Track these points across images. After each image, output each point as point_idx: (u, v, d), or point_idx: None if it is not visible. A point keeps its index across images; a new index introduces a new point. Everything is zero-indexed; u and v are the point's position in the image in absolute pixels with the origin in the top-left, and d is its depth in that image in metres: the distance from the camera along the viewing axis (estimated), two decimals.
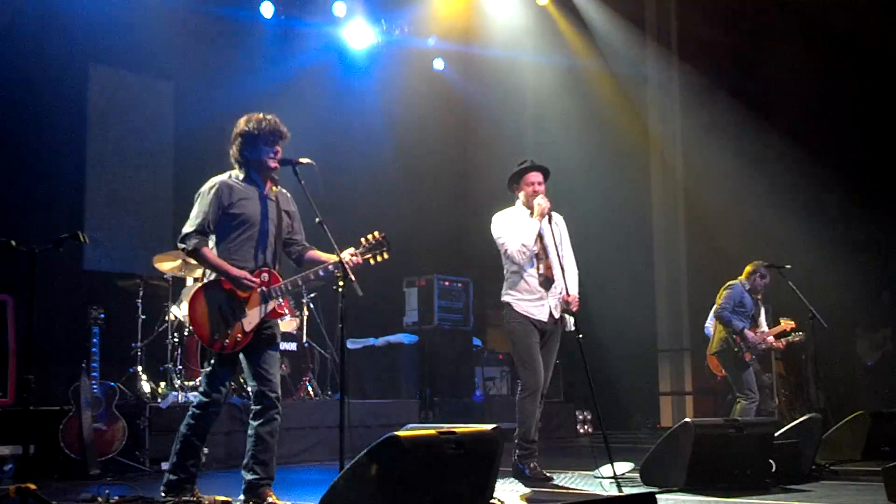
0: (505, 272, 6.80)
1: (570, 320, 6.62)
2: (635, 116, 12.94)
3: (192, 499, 4.95)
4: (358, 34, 11.57)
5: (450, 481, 4.53)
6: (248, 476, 5.06)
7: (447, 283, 11.14)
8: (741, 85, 11.99)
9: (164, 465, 7.15)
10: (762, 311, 8.89)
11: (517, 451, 6.54)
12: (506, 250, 6.66)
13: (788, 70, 11.67)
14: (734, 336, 8.45)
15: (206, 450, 7.08)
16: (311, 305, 9.36)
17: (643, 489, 5.89)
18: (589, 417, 11.49)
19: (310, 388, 9.02)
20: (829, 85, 11.48)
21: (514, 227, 6.64)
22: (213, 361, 5.15)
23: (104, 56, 9.77)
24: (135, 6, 9.54)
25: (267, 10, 10.85)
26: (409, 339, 10.79)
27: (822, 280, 10.02)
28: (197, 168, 9.62)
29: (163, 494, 5.03)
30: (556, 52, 12.48)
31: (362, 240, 5.24)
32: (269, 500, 4.97)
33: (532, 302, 6.62)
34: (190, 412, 5.13)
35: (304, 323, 9.31)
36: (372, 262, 5.22)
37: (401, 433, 4.39)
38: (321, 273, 5.18)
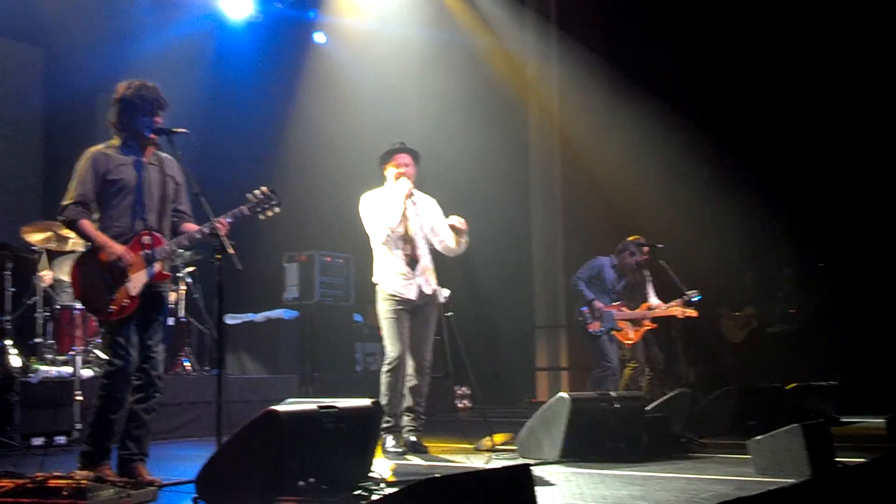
0: (374, 253, 6.88)
1: (444, 292, 6.78)
2: (517, 91, 13.02)
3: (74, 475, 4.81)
4: (236, 4, 11.35)
5: (329, 455, 4.54)
6: (121, 452, 5.01)
7: (329, 259, 11.11)
8: (618, 53, 12.04)
9: (37, 441, 7.03)
10: (649, 285, 9.16)
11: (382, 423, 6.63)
12: (373, 232, 6.75)
13: (665, 35, 11.82)
14: (583, 307, 8.80)
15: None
16: (189, 280, 9.20)
17: (519, 461, 6.00)
18: (468, 392, 11.63)
19: (187, 364, 8.88)
20: (709, 55, 11.68)
21: (380, 208, 6.75)
22: (105, 331, 5.10)
23: None
24: None
25: None
26: (289, 314, 10.73)
27: (690, 258, 10.35)
28: (69, 138, 9.37)
29: (79, 466, 4.90)
30: (440, 26, 12.48)
31: (249, 195, 5.23)
32: (142, 476, 4.90)
33: (401, 280, 6.73)
34: (98, 383, 5.04)
35: (182, 297, 9.15)
36: (261, 217, 5.23)
37: (279, 407, 4.37)
38: (197, 236, 5.12)
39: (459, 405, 11.61)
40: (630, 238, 9.19)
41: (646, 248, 9.12)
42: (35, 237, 8.08)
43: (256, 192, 5.23)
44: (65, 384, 7.37)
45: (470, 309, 11.56)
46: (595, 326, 8.83)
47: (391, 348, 6.69)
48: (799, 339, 11.62)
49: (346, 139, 12.31)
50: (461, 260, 7.06)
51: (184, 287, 9.16)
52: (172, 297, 9.02)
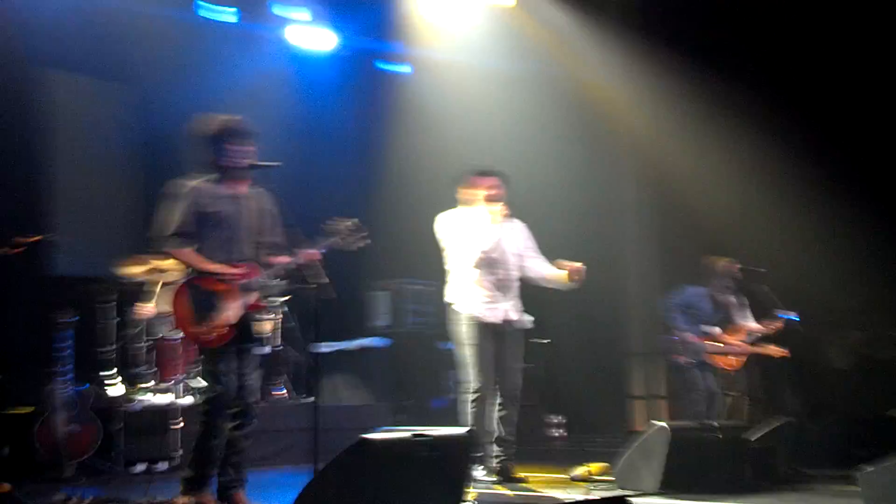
0: (449, 273, 6.80)
1: (527, 318, 6.68)
2: (607, 115, 12.87)
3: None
4: (320, 38, 11.47)
5: (422, 484, 4.50)
6: (221, 478, 5.05)
7: (417, 287, 11.13)
8: (711, 70, 11.80)
9: (139, 468, 7.17)
10: (745, 310, 8.91)
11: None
12: (458, 253, 6.68)
13: (759, 47, 11.54)
14: (672, 336, 8.69)
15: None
16: (285, 309, 9.30)
17: (617, 492, 5.87)
18: (563, 421, 11.45)
19: (283, 391, 8.97)
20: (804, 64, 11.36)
21: (468, 230, 6.69)
22: (204, 358, 5.16)
23: (62, 61, 9.61)
24: (92, 10, 9.45)
25: (229, 14, 10.76)
26: (380, 342, 10.75)
27: (791, 282, 10.03)
28: (167, 172, 9.55)
29: (179, 492, 5.00)
30: (522, 54, 12.45)
31: (334, 227, 5.32)
32: (241, 502, 4.93)
33: (486, 304, 6.63)
34: (199, 410, 5.13)
35: (278, 326, 9.25)
36: (352, 248, 5.33)
37: (372, 436, 4.36)
38: (290, 266, 5.20)
39: (552, 434, 11.44)
40: (722, 262, 8.94)
41: (739, 272, 8.88)
42: (133, 270, 8.23)
43: (346, 224, 5.27)
44: (165, 411, 7.51)
45: (563, 335, 11.42)
46: (681, 358, 8.62)
47: (474, 376, 6.58)
48: None
49: (430, 168, 12.35)
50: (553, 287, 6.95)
51: (279, 316, 9.26)
52: (269, 325, 9.10)
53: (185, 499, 4.63)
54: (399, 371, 10.64)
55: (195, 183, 5.21)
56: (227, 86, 10.08)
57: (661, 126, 12.36)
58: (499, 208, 6.67)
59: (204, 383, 5.21)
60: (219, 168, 5.23)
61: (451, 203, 7.01)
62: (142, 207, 10.08)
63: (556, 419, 11.50)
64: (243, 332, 5.13)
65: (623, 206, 13.33)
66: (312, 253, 5.13)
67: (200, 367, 5.73)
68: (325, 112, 11.57)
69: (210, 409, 5.01)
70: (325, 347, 10.54)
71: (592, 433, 11.48)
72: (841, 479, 6.36)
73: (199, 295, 5.06)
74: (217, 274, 5.04)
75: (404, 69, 12.58)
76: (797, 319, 8.83)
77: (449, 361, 11.29)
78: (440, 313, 11.20)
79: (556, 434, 11.46)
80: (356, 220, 5.35)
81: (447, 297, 6.83)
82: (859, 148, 11.17)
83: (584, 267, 6.76)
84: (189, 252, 5.09)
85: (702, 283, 8.94)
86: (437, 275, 11.19)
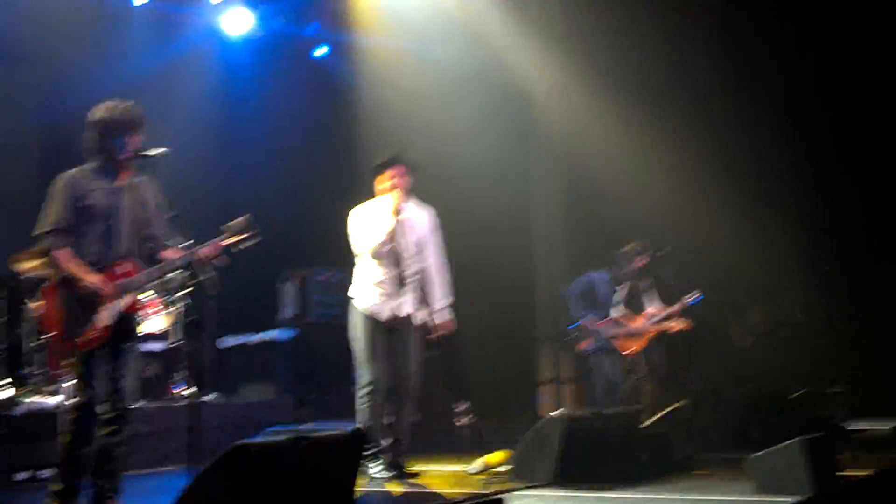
0: (356, 267, 6.71)
1: (420, 315, 6.62)
2: (521, 101, 12.85)
3: None
4: (236, 21, 11.20)
5: (307, 488, 4.36)
6: (93, 488, 4.87)
7: (324, 277, 10.94)
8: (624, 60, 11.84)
9: (21, 476, 6.87)
10: (651, 293, 8.98)
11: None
12: (358, 246, 6.57)
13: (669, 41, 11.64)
14: (572, 325, 8.90)
15: None
16: (182, 303, 9.04)
17: (513, 485, 5.82)
18: (467, 408, 11.39)
19: (179, 390, 8.73)
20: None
21: (368, 223, 6.56)
22: (74, 361, 4.92)
23: None
24: None
25: None
26: (284, 334, 10.55)
27: (695, 264, 10.13)
28: (64, 161, 9.24)
29: None
30: (443, 41, 12.33)
31: (224, 227, 5.14)
32: None
33: (378, 298, 6.54)
34: (65, 419, 4.89)
35: (181, 322, 9.00)
36: (239, 247, 5.12)
37: (249, 441, 4.21)
38: (169, 267, 5.04)
39: (458, 422, 11.37)
40: (627, 247, 9.01)
41: (644, 256, 8.94)
42: (25, 266, 7.92)
43: (236, 222, 5.11)
44: (49, 416, 7.20)
45: (468, 321, 11.38)
46: (585, 344, 8.69)
47: (365, 371, 6.48)
48: (809, 343, 11.38)
49: (344, 155, 12.17)
50: (461, 273, 6.87)
51: (177, 310, 9.01)
52: (166, 320, 8.88)
53: None
54: (304, 364, 10.46)
55: (71, 173, 5.00)
56: (136, 71, 9.81)
57: (572, 115, 12.40)
58: (400, 198, 6.51)
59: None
60: (101, 158, 5.01)
61: (369, 193, 6.86)
62: (40, 198, 9.75)
63: (463, 406, 11.44)
64: (118, 334, 4.93)
65: (531, 192, 13.33)
66: (208, 252, 4.97)
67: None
68: (244, 97, 11.36)
69: (78, 417, 4.80)
70: (227, 342, 10.33)
71: (501, 420, 11.48)
72: (735, 462, 6.39)
73: (70, 296, 4.84)
74: (83, 281, 4.81)
75: (323, 51, 12.40)
76: (700, 299, 8.93)
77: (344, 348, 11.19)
78: (346, 304, 11.13)
79: (464, 422, 11.41)
80: (248, 215, 5.15)
81: (349, 292, 6.69)
82: (763, 131, 11.36)
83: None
84: (64, 253, 4.86)
85: (605, 268, 8.99)
86: (346, 264, 11.16)
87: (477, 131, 12.11)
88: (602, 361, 8.74)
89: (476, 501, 3.56)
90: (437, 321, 6.71)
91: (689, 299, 8.79)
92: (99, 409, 4.84)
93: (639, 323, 8.83)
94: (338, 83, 12.43)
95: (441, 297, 6.69)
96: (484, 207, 11.93)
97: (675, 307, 8.83)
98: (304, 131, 12.00)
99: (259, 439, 4.36)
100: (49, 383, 7.79)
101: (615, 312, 8.91)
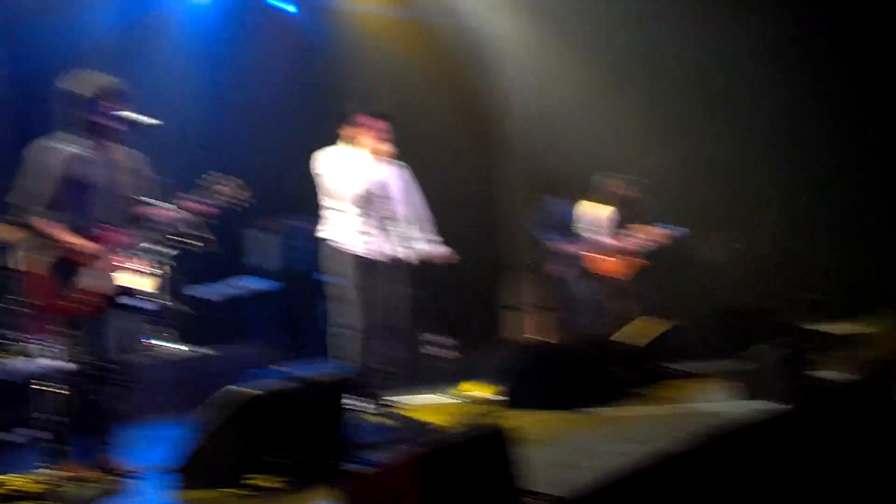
0: (331, 211, 6.66)
1: (413, 252, 6.69)
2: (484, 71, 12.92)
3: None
4: None
5: (298, 429, 4.41)
6: (84, 442, 4.84)
7: (291, 224, 10.95)
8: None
9: None
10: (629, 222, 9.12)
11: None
12: (339, 190, 6.55)
13: None
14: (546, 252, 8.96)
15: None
16: (174, 264, 9.03)
17: (495, 410, 5.91)
18: (440, 339, 11.50)
19: (169, 344, 8.77)
20: None
21: (344, 168, 6.54)
22: (63, 328, 4.93)
23: None
24: None
25: None
26: (258, 282, 10.56)
27: (669, 190, 10.22)
28: (39, 131, 9.09)
29: (43, 464, 4.75)
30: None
31: (219, 188, 5.12)
32: (109, 466, 4.79)
33: (366, 239, 6.54)
34: (58, 377, 4.91)
35: (168, 281, 8.99)
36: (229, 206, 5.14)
37: (240, 386, 4.25)
38: (157, 222, 5.04)
39: (431, 352, 11.48)
40: (610, 178, 9.11)
41: (628, 185, 9.05)
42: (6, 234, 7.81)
43: (229, 183, 5.09)
44: (24, 376, 7.19)
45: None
46: (558, 270, 8.79)
47: (355, 313, 6.51)
48: (782, 257, 11.55)
49: (309, 107, 12.11)
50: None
51: (160, 269, 8.97)
52: (150, 280, 8.84)
53: (48, 470, 4.44)
54: (276, 312, 10.51)
55: (66, 149, 4.90)
56: (97, 34, 9.63)
57: (538, 51, 12.43)
58: (386, 149, 6.55)
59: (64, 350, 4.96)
60: (92, 131, 4.94)
61: (330, 140, 6.82)
62: (13, 169, 9.60)
63: (438, 339, 11.55)
64: (108, 294, 4.92)
65: (492, 124, 13.37)
66: (197, 208, 4.96)
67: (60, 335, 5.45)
68: (206, 56, 11.20)
69: (71, 377, 4.81)
70: (206, 294, 10.33)
71: (476, 349, 11.61)
72: (713, 373, 6.55)
73: (56, 262, 4.81)
74: (71, 245, 4.78)
75: (289, 8, 12.28)
76: (685, 232, 9.24)
77: (321, 293, 11.22)
78: (310, 248, 11.13)
79: (441, 354, 11.54)
80: (239, 180, 5.13)
81: (324, 233, 6.69)
82: (738, 63, 11.43)
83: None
84: (44, 223, 4.81)
85: (564, 196, 9.11)
86: (313, 213, 11.16)
87: (437, 74, 12.15)
88: (584, 286, 8.81)
89: (481, 434, 3.59)
90: (434, 253, 6.83)
91: (675, 231, 9.05)
92: (89, 367, 4.83)
93: (628, 243, 8.95)
94: (302, 39, 12.34)
95: (432, 233, 6.84)
96: (443, 140, 12.01)
97: (663, 233, 9.03)
98: (273, 88, 11.92)
99: (248, 385, 4.37)
100: (21, 345, 7.75)
101: (600, 238, 9.04)
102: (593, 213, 9.18)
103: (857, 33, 10.67)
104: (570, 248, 8.84)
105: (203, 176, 5.17)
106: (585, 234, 9.14)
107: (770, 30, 10.96)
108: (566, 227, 8.97)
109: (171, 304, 9.18)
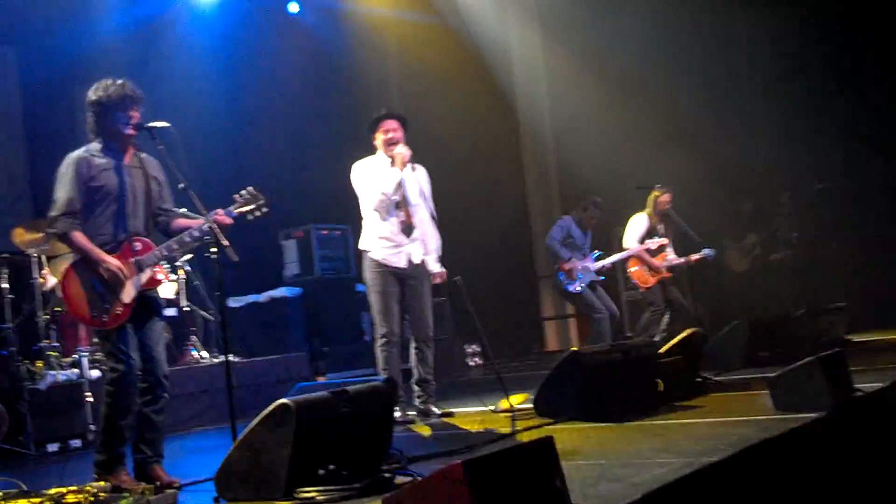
0: (364, 221, 6.82)
1: (432, 261, 6.81)
2: (502, 55, 12.96)
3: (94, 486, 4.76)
4: None
5: (346, 440, 4.48)
6: (136, 455, 4.96)
7: (325, 232, 11.03)
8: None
9: (51, 447, 6.99)
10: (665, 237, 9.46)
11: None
12: (365, 199, 6.65)
13: None
14: (560, 272, 9.16)
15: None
16: (189, 268, 9.11)
17: (538, 422, 5.95)
18: (479, 350, 11.61)
19: (194, 353, 8.84)
20: None
21: (374, 176, 6.67)
22: (102, 339, 5.01)
23: None
24: None
25: None
26: (291, 291, 10.65)
27: (687, 194, 10.26)
28: (51, 134, 9.23)
29: (95, 476, 4.84)
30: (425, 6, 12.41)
31: (236, 196, 5.17)
32: (160, 478, 4.85)
33: (390, 249, 6.64)
34: (104, 391, 4.96)
35: (183, 287, 9.08)
36: (250, 217, 5.16)
37: (290, 399, 4.30)
38: (188, 238, 5.05)
39: (471, 363, 11.58)
40: (655, 192, 9.48)
41: (666, 195, 9.41)
42: (27, 237, 7.91)
43: (244, 192, 5.16)
44: (73, 387, 7.32)
45: (470, 265, 11.56)
46: (574, 286, 9.02)
47: (382, 321, 6.63)
48: (803, 262, 11.56)
49: (334, 111, 12.19)
50: (458, 219, 7.01)
51: (184, 276, 9.07)
52: (173, 287, 8.94)
53: (101, 483, 4.51)
54: (312, 319, 10.58)
55: (78, 154, 5.00)
56: (107, 39, 9.75)
57: (558, 55, 12.51)
58: (405, 150, 6.61)
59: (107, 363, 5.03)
60: (104, 137, 5.03)
61: (360, 149, 7.00)
62: (31, 171, 9.72)
63: (471, 349, 11.63)
64: (142, 307, 4.99)
65: (520, 136, 13.50)
66: (220, 220, 4.99)
67: (101, 348, 5.53)
68: (218, 60, 11.32)
69: (115, 390, 4.87)
70: (235, 302, 10.42)
71: (509, 359, 11.67)
72: (750, 382, 6.56)
73: (90, 276, 4.89)
74: (102, 263, 4.87)
75: (293, 8, 12.39)
76: (714, 254, 9.61)
77: (363, 304, 11.32)
78: (348, 257, 11.23)
79: (474, 363, 11.61)
80: (254, 188, 5.20)
81: (362, 245, 6.84)
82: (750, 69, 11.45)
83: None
84: (79, 236, 4.90)
85: (569, 213, 9.34)
86: (344, 219, 11.24)
87: (458, 86, 12.25)
88: (592, 298, 9.05)
89: (529, 445, 3.63)
90: (436, 270, 6.89)
91: (704, 254, 9.47)
92: (136, 379, 4.92)
93: (659, 260, 9.19)
94: (316, 42, 12.41)
95: (437, 249, 6.91)
96: (475, 157, 12.18)
97: (694, 257, 9.46)
98: (287, 91, 12.01)
99: (298, 398, 4.43)
100: (66, 356, 7.86)
101: (633, 246, 9.35)
102: (634, 224, 9.41)
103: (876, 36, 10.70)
104: (577, 265, 9.04)
105: (224, 185, 5.24)
106: (625, 245, 9.51)
107: (784, 38, 10.99)
108: (577, 243, 9.20)
109: (203, 313, 9.28)
